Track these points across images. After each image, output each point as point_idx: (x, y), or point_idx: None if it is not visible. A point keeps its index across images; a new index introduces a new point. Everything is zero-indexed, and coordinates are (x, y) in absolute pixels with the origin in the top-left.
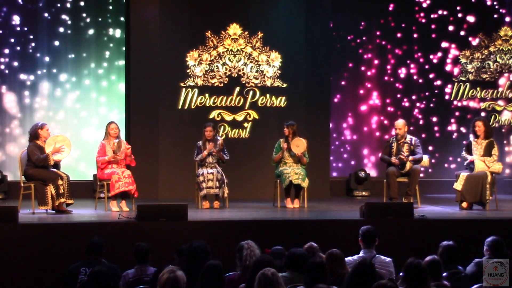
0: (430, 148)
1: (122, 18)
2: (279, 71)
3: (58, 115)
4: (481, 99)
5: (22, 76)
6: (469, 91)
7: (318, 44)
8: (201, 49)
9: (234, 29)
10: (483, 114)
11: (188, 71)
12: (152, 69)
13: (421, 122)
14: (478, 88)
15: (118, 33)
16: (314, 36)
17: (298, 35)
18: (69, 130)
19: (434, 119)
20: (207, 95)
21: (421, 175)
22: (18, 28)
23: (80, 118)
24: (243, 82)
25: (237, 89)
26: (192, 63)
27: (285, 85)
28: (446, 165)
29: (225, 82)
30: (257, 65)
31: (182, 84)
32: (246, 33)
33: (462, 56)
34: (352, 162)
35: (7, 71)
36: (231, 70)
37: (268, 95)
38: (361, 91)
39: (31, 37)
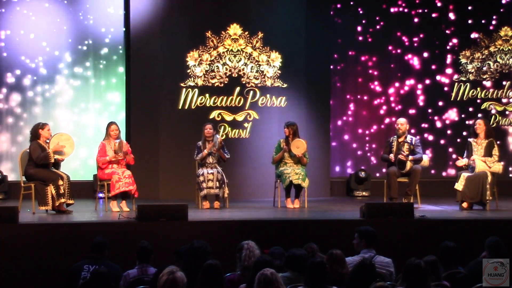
0: (431, 138)
1: (121, 19)
2: (279, 71)
3: (56, 107)
4: (481, 99)
5: (23, 62)
6: (469, 91)
7: (318, 44)
8: (201, 49)
9: (234, 29)
10: (481, 114)
11: (188, 71)
12: (152, 69)
13: (422, 113)
14: (478, 88)
15: (118, 33)
16: (314, 36)
17: (298, 35)
18: (69, 120)
19: (435, 109)
20: (207, 95)
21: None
22: (18, 8)
23: (80, 108)
24: (243, 82)
25: (237, 89)
26: (192, 63)
27: (285, 85)
28: (445, 158)
29: (225, 82)
30: (257, 65)
31: (182, 84)
32: (246, 33)
33: (462, 56)
34: (354, 145)
35: (5, 54)
36: (231, 70)
37: (268, 95)
38: (360, 80)
39: (32, 21)
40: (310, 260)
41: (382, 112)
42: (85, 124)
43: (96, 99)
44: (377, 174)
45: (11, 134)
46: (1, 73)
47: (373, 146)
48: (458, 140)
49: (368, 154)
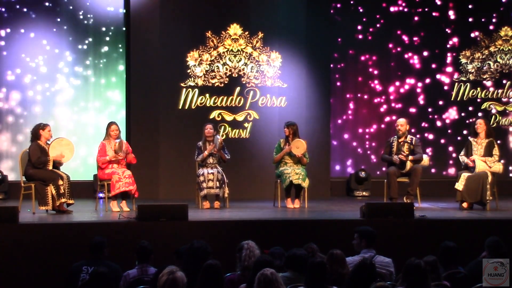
0: (431, 137)
1: (121, 18)
2: (279, 71)
3: (57, 106)
4: (482, 99)
5: (24, 61)
6: (470, 91)
7: (318, 44)
8: (202, 49)
9: (235, 29)
10: (481, 114)
11: (188, 71)
12: (152, 69)
13: (422, 112)
14: (478, 88)
15: (118, 31)
16: (314, 36)
17: (298, 35)
18: (69, 119)
19: (435, 108)
20: (207, 95)
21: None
22: (18, 6)
23: (80, 107)
24: (244, 82)
25: (238, 89)
26: (192, 63)
27: (285, 85)
28: (446, 157)
29: (226, 82)
30: (258, 65)
31: (182, 84)
32: (247, 33)
33: (462, 56)
34: (354, 143)
35: (5, 53)
36: (231, 70)
37: (268, 95)
38: (360, 79)
39: (32, 19)
40: (310, 260)
41: (382, 110)
42: (85, 122)
43: (96, 98)
44: (378, 173)
45: (11, 133)
46: (1, 71)
47: (373, 144)
48: (459, 138)
49: (368, 152)
